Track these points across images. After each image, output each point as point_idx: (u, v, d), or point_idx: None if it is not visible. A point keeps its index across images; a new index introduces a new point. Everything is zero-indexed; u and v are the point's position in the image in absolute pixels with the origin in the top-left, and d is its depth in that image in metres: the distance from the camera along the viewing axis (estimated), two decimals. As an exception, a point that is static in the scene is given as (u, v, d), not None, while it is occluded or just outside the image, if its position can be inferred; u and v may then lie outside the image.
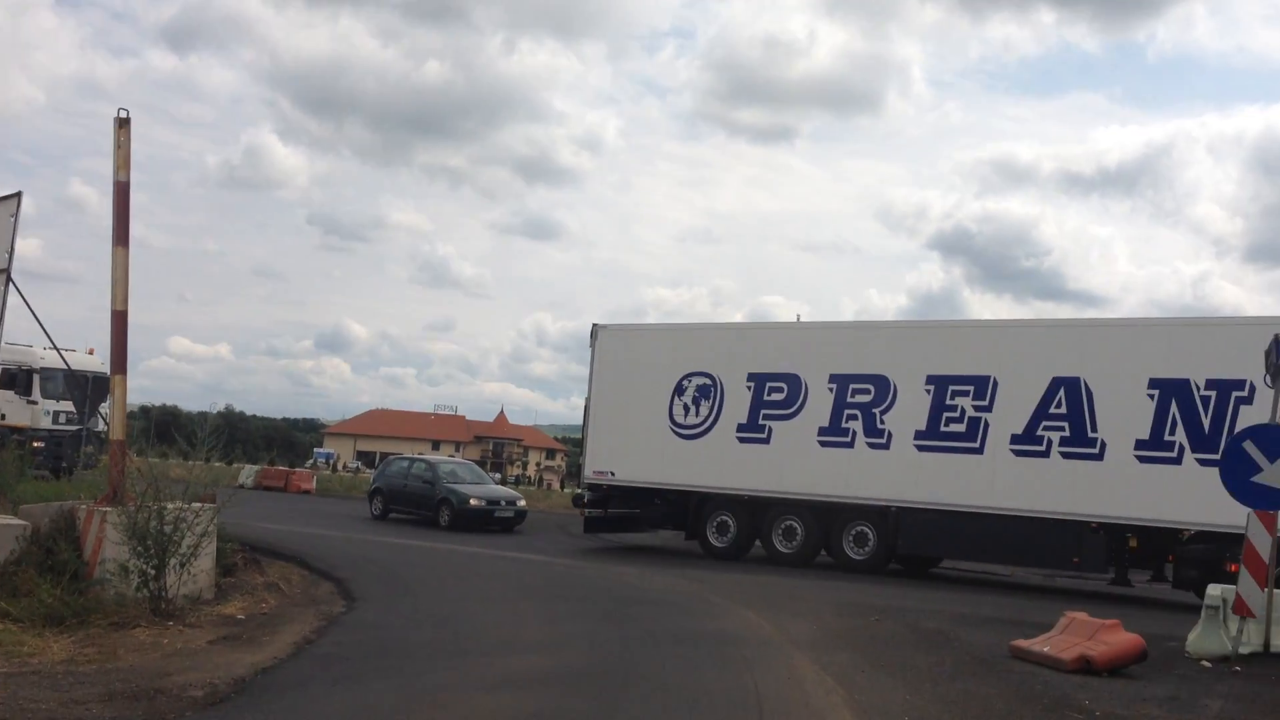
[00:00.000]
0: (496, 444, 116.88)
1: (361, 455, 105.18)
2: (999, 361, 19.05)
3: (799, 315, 31.33)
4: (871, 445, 19.88)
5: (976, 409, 19.01)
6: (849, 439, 20.10)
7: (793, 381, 20.76)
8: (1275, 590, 11.93)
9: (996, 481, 18.67)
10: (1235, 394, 16.95)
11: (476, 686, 8.69)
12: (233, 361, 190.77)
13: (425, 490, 27.08)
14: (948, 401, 19.28)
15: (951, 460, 19.17)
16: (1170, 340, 17.92)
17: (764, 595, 15.51)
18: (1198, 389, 17.27)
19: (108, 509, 11.69)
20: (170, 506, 11.27)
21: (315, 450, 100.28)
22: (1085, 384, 18.15)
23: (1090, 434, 18.04)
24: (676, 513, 22.42)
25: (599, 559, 20.54)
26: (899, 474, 19.58)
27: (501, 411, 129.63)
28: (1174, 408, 17.42)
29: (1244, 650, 11.66)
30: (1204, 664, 11.36)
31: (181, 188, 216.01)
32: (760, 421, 21.01)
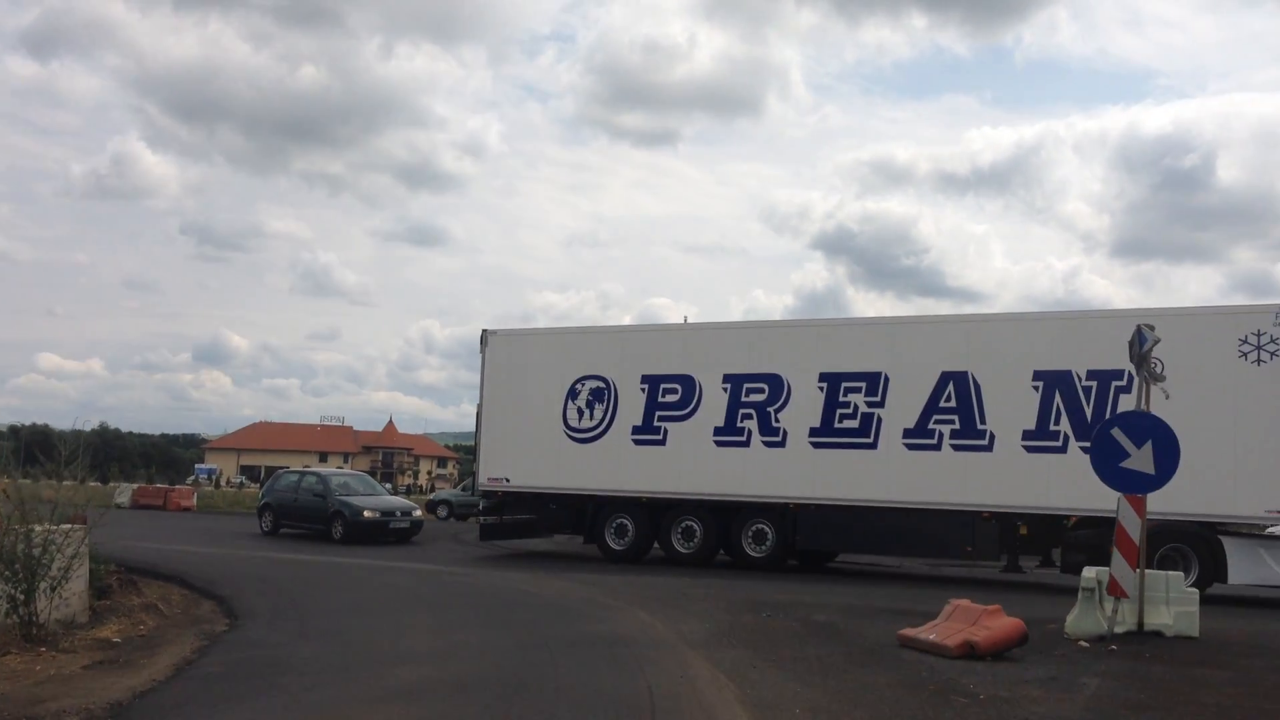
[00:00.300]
0: (386, 454, 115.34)
1: (245, 470, 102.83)
2: (890, 358, 19.44)
3: (686, 317, 31.50)
4: (767, 444, 20.11)
5: (869, 405, 19.38)
6: (745, 438, 20.30)
7: (686, 382, 20.96)
8: (1146, 571, 12.40)
9: (890, 475, 19.04)
10: (1115, 383, 17.60)
11: (365, 700, 8.52)
12: (106, 377, 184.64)
13: (317, 504, 26.53)
14: (841, 398, 19.60)
15: (846, 456, 19.48)
16: (1052, 333, 18.52)
17: (657, 596, 15.55)
18: (1079, 379, 17.91)
19: (-29, 533, 11.16)
20: (38, 529, 10.83)
21: (196, 466, 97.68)
22: (973, 378, 18.66)
23: (979, 426, 18.54)
24: (574, 517, 22.38)
25: (492, 567, 20.40)
26: (795, 471, 19.84)
27: (390, 421, 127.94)
28: (1057, 398, 18.03)
29: (1119, 630, 12.07)
30: (1082, 644, 11.72)
31: (46, 198, 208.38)
32: (655, 423, 21.17)
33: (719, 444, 20.51)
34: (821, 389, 19.79)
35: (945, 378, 18.83)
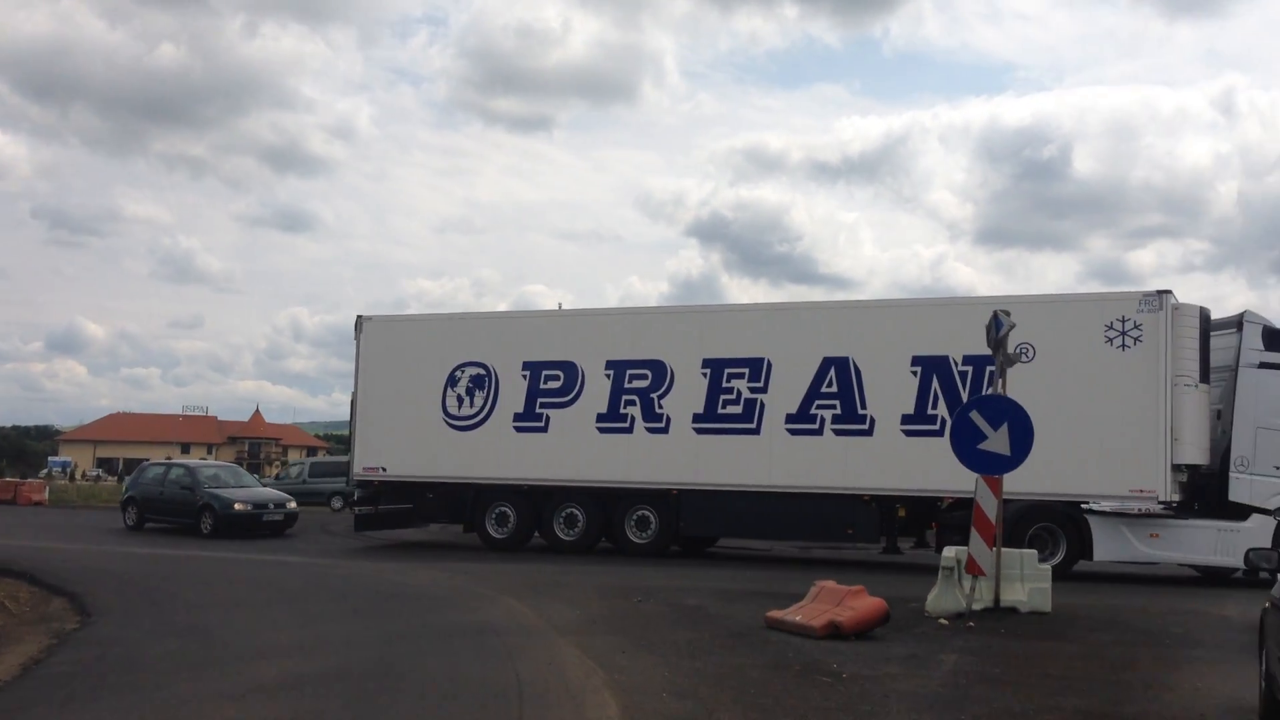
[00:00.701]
0: (253, 444, 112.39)
1: (102, 462, 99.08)
2: (772, 343, 19.51)
3: (561, 303, 31.36)
4: (651, 430, 20.01)
5: (752, 390, 19.41)
6: (628, 424, 20.17)
7: (569, 369, 20.72)
8: (1002, 550, 12.84)
9: (774, 461, 19.14)
10: (990, 369, 18.07)
11: (223, 696, 8.27)
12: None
13: (185, 496, 25.60)
14: (724, 384, 19.59)
15: (730, 442, 19.51)
16: (930, 320, 18.88)
17: (529, 584, 15.49)
18: (956, 365, 18.28)
19: None
20: None
21: (50, 459, 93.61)
22: (854, 363, 18.85)
23: (860, 411, 18.76)
24: (453, 505, 22.00)
25: (362, 558, 20.07)
26: (679, 457, 19.78)
27: (257, 410, 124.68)
28: (935, 383, 18.37)
29: (977, 607, 12.48)
30: (942, 622, 12.08)
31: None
32: (537, 410, 20.85)
33: (602, 430, 20.34)
34: (705, 375, 19.74)
35: (827, 363, 18.96)
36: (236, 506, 24.79)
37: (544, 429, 20.80)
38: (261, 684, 8.75)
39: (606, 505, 20.69)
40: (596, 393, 20.47)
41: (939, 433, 18.05)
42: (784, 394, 19.24)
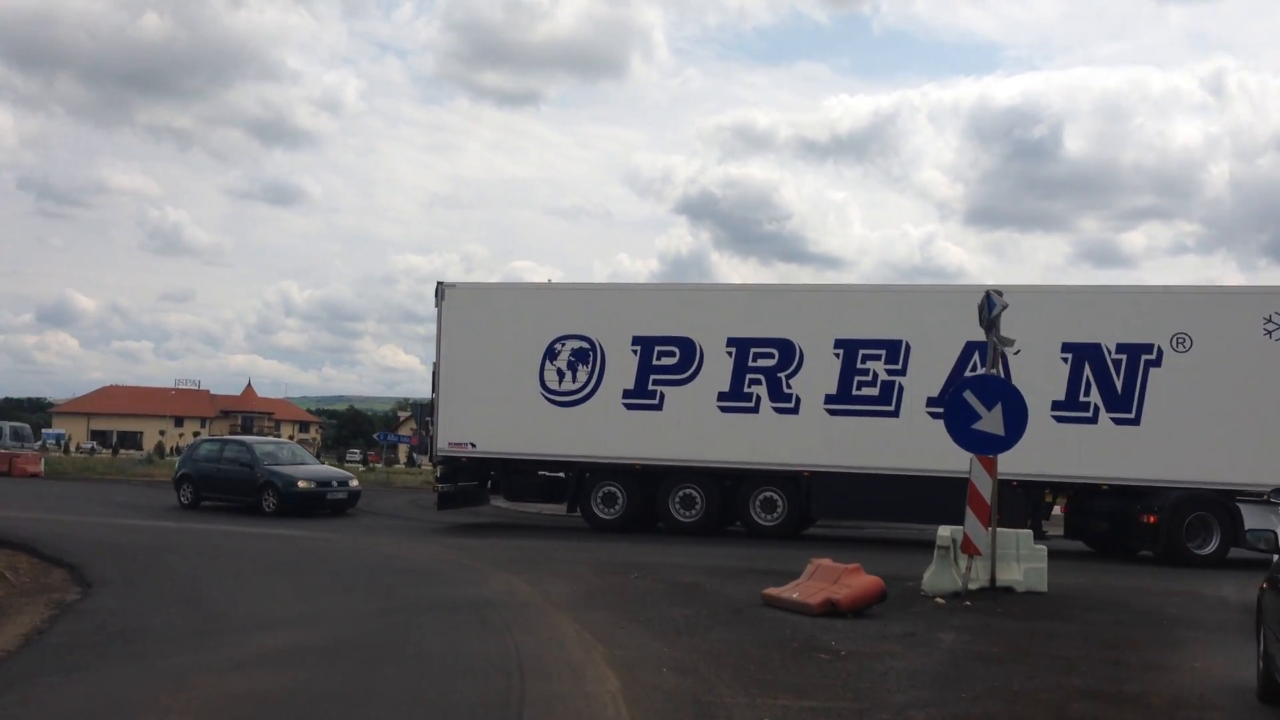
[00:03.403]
0: (246, 419, 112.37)
1: (96, 435, 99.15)
2: (911, 326, 19.29)
3: (550, 279, 31.11)
4: (778, 410, 19.65)
5: (890, 373, 19.20)
6: (753, 404, 19.78)
7: (685, 345, 20.22)
8: (997, 529, 12.91)
9: (913, 444, 18.89)
10: (1144, 357, 18.30)
11: (224, 666, 8.31)
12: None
13: (244, 474, 24.48)
14: (859, 365, 19.38)
15: (865, 424, 19.26)
16: (1080, 307, 18.90)
17: (526, 559, 15.55)
18: (1109, 352, 18.38)
19: None
20: None
21: (44, 431, 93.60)
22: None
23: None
24: (547, 484, 21.49)
25: (359, 533, 20.09)
26: (810, 439, 19.45)
27: (249, 384, 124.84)
28: (1087, 370, 18.43)
29: (973, 586, 12.55)
30: (939, 600, 12.15)
31: None
32: (650, 387, 20.32)
33: (724, 410, 19.91)
34: (838, 355, 19.49)
35: (971, 347, 18.60)
36: (300, 484, 23.92)
37: (658, 407, 20.27)
38: (262, 655, 8.79)
39: (728, 486, 20.20)
40: (717, 371, 19.98)
41: (1092, 420, 18.21)
42: (924, 377, 19.05)
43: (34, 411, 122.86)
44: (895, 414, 19.26)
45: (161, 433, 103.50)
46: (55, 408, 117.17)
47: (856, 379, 19.48)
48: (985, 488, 12.77)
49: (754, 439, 19.83)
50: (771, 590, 11.91)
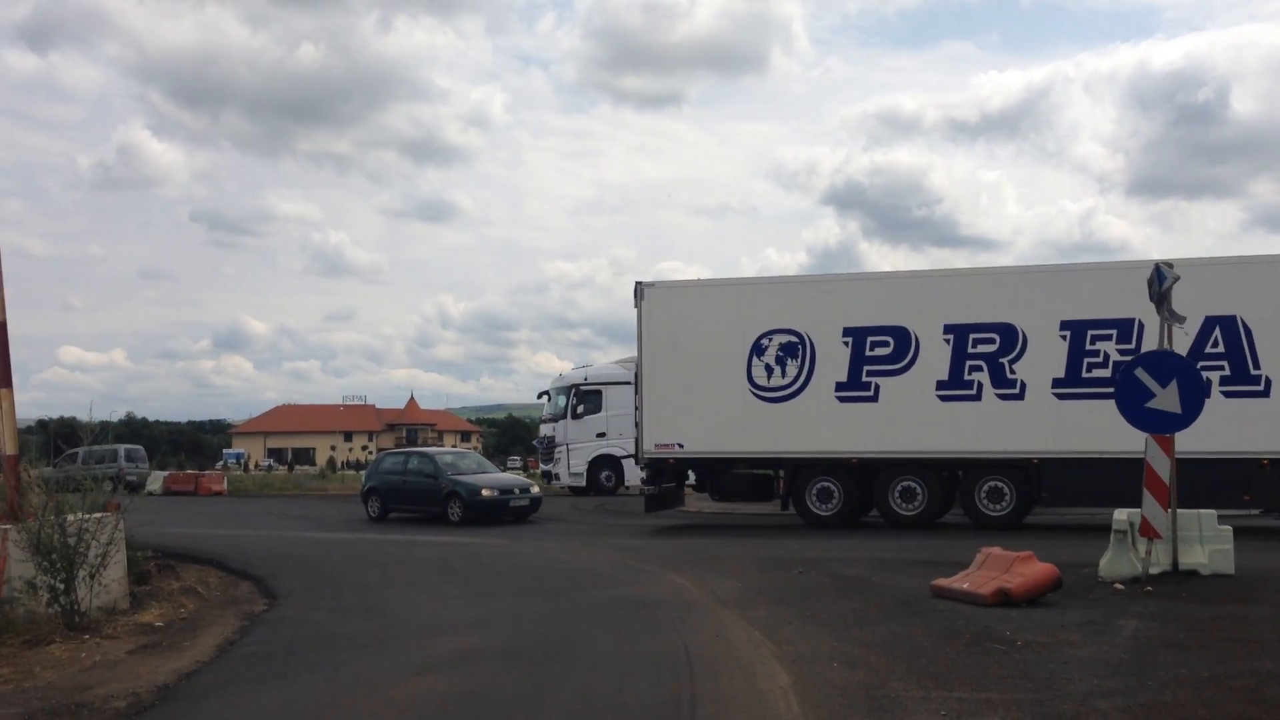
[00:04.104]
0: (410, 431, 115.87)
1: (273, 453, 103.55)
2: (1142, 302, 18.96)
3: (697, 276, 30.76)
4: (1002, 397, 19.16)
5: (1122, 353, 18.53)
6: (975, 392, 19.32)
7: (899, 334, 19.79)
8: (1178, 511, 12.37)
9: None
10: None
11: (405, 671, 8.60)
12: (129, 368, 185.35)
13: (429, 485, 24.69)
14: (1088, 347, 18.85)
15: (1098, 407, 18.36)
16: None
17: (688, 558, 15.60)
18: None
19: (7, 526, 11.30)
20: (71, 518, 10.93)
21: (224, 451, 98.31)
22: (1243, 322, 18.06)
23: (1254, 372, 17.98)
24: (754, 482, 21.23)
25: (528, 538, 20.47)
26: (1038, 425, 18.95)
27: (411, 397, 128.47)
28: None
29: (1154, 571, 12.05)
30: (1117, 587, 11.72)
31: (56, 192, 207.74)
32: (864, 379, 19.94)
33: (943, 399, 19.43)
34: (1064, 337, 18.92)
35: (1210, 322, 18.00)
36: (484, 493, 23.89)
37: (873, 398, 19.87)
38: (440, 659, 9.05)
39: (950, 476, 19.83)
40: (934, 359, 19.51)
41: None
42: None
43: (214, 433, 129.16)
44: None
45: (333, 448, 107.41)
46: (234, 428, 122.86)
47: (1086, 361, 18.82)
48: (1163, 468, 12.24)
49: (978, 428, 19.27)
50: (941, 581, 11.68)
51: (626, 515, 23.27)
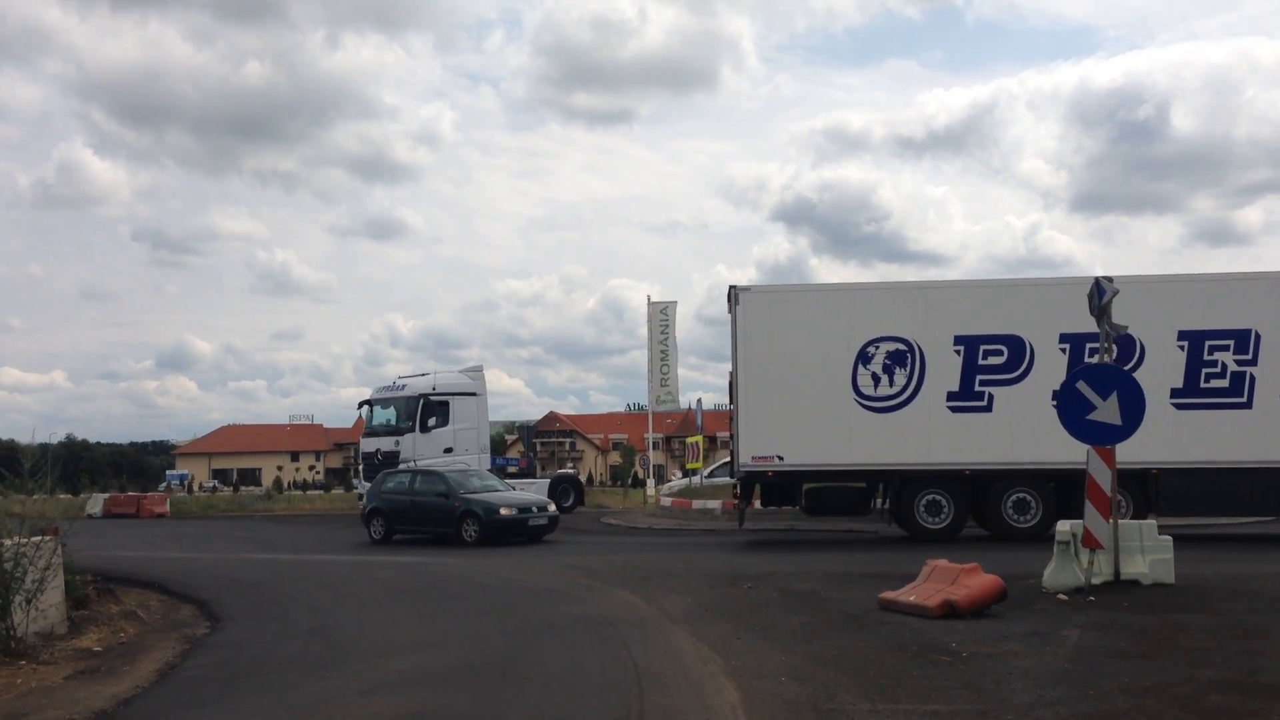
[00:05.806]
0: (357, 449, 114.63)
1: (218, 474, 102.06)
2: (1261, 314, 18.84)
3: (649, 296, 30.75)
4: None
5: (1239, 363, 18.77)
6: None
7: (1014, 343, 19.60)
8: (1120, 521, 12.56)
9: (1270, 435, 18.56)
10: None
11: (353, 693, 8.50)
12: (69, 389, 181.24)
13: (440, 504, 23.32)
14: (1206, 357, 18.97)
15: (1216, 417, 18.73)
16: None
17: (639, 575, 15.59)
18: None
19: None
20: (8, 543, 10.70)
21: (167, 473, 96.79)
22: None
23: None
24: (861, 495, 20.66)
25: (476, 556, 20.34)
26: (1156, 435, 18.16)
27: (360, 417, 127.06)
28: None
29: (1096, 581, 12.22)
30: (1061, 597, 11.86)
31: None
32: (977, 388, 19.65)
33: None
34: (1182, 348, 19.03)
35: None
36: (503, 511, 22.77)
37: (987, 408, 19.61)
38: (389, 681, 8.96)
39: (1063, 488, 19.19)
40: (1049, 368, 19.14)
41: None
42: (1277, 366, 18.71)
43: (158, 454, 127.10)
44: (1248, 405, 18.73)
45: (279, 468, 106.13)
46: (178, 449, 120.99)
47: (1204, 371, 18.96)
48: (1104, 479, 12.45)
49: None
50: (888, 594, 11.76)
51: (578, 532, 23.16)
